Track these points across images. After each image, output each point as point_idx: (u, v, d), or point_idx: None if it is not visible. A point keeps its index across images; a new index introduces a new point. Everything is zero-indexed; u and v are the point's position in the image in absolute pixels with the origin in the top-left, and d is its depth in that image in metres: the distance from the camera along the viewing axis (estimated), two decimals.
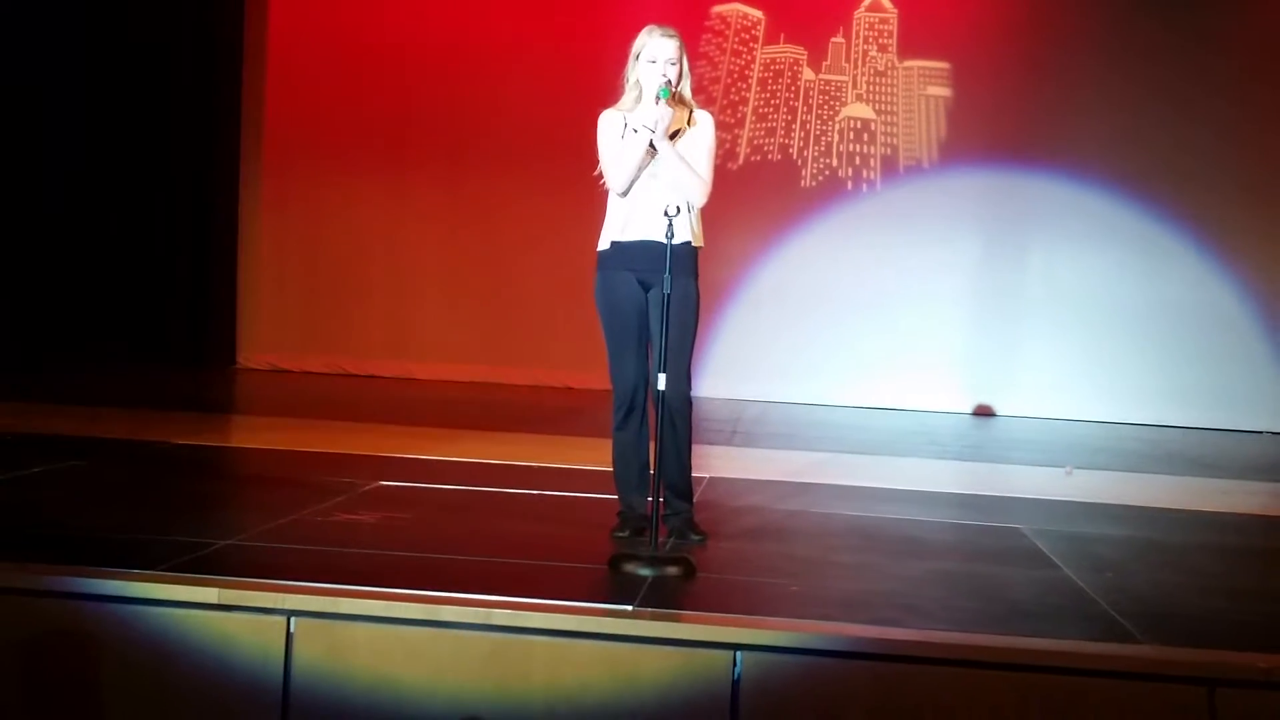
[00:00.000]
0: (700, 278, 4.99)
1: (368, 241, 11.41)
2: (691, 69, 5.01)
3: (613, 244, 4.96)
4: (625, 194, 4.90)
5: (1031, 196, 10.97)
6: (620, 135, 4.90)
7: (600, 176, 4.98)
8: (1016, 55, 10.99)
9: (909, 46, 11.16)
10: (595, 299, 5.03)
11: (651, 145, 4.82)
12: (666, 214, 4.52)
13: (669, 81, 4.82)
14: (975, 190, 11.05)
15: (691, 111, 4.99)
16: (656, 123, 4.78)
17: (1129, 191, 10.84)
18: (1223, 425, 10.66)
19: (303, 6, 11.53)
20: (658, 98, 4.79)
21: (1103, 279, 10.92)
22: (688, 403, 4.97)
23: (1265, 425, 10.74)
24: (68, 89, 11.18)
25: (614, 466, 5.11)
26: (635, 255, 4.88)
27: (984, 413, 10.97)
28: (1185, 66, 10.78)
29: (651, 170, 4.88)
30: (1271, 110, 10.79)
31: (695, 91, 5.09)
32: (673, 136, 4.88)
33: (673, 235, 4.52)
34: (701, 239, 5.01)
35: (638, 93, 4.93)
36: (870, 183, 11.20)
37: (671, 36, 4.91)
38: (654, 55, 4.88)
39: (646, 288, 4.90)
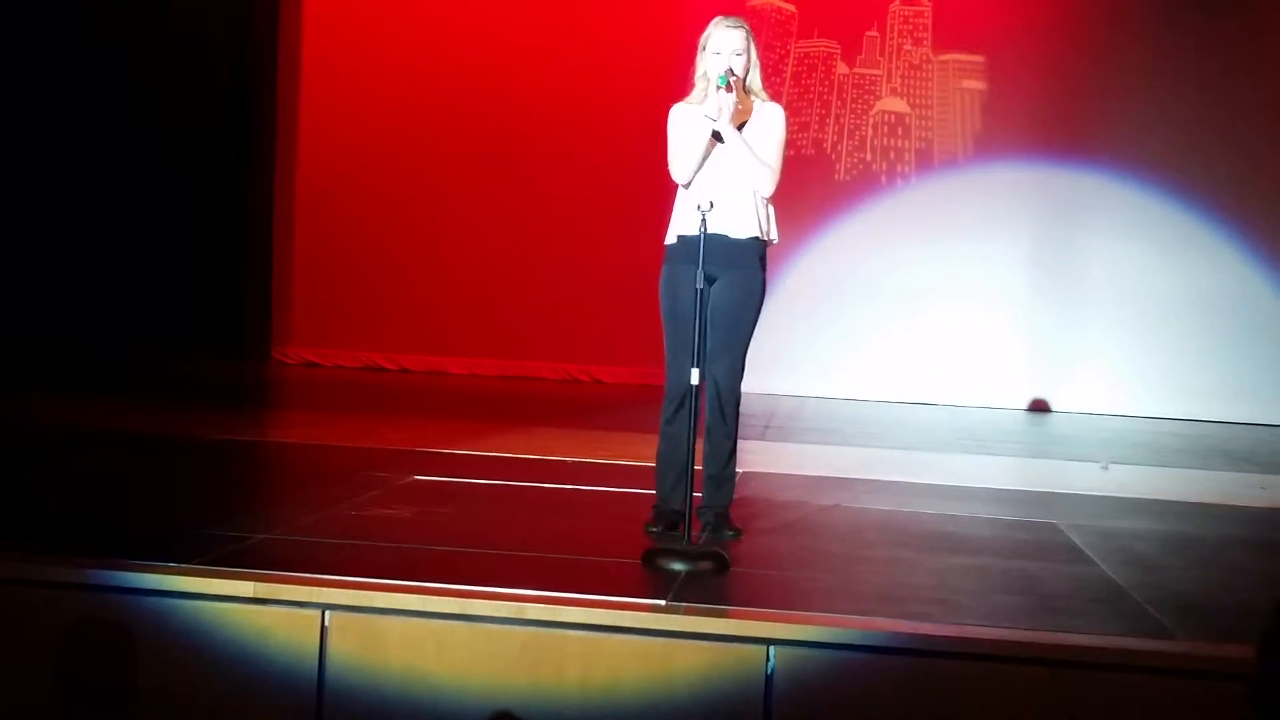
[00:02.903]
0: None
1: (401, 236, 11.43)
2: None
3: (679, 238, 4.95)
4: (689, 185, 4.90)
5: (1068, 190, 10.88)
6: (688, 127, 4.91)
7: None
8: (1052, 48, 10.91)
9: (943, 40, 11.10)
10: (659, 291, 5.03)
11: (716, 134, 4.82)
12: (700, 209, 4.54)
13: (729, 70, 4.81)
14: (1011, 184, 10.97)
15: (763, 102, 4.98)
16: (719, 110, 4.78)
17: (1167, 185, 10.74)
18: (1261, 420, 10.56)
19: None
20: (718, 86, 4.79)
21: (1141, 273, 10.82)
22: (738, 394, 4.97)
23: None
24: (104, 84, 11.24)
25: (657, 460, 5.07)
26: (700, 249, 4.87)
27: (1039, 408, 10.87)
28: (1225, 59, 10.67)
29: (715, 163, 4.87)
30: None
31: None
32: (740, 127, 4.87)
33: (706, 229, 4.54)
34: (773, 233, 5.02)
35: (705, 84, 4.93)
36: (905, 177, 11.14)
37: (736, 27, 4.92)
38: (719, 47, 4.89)
39: (710, 281, 4.89)
